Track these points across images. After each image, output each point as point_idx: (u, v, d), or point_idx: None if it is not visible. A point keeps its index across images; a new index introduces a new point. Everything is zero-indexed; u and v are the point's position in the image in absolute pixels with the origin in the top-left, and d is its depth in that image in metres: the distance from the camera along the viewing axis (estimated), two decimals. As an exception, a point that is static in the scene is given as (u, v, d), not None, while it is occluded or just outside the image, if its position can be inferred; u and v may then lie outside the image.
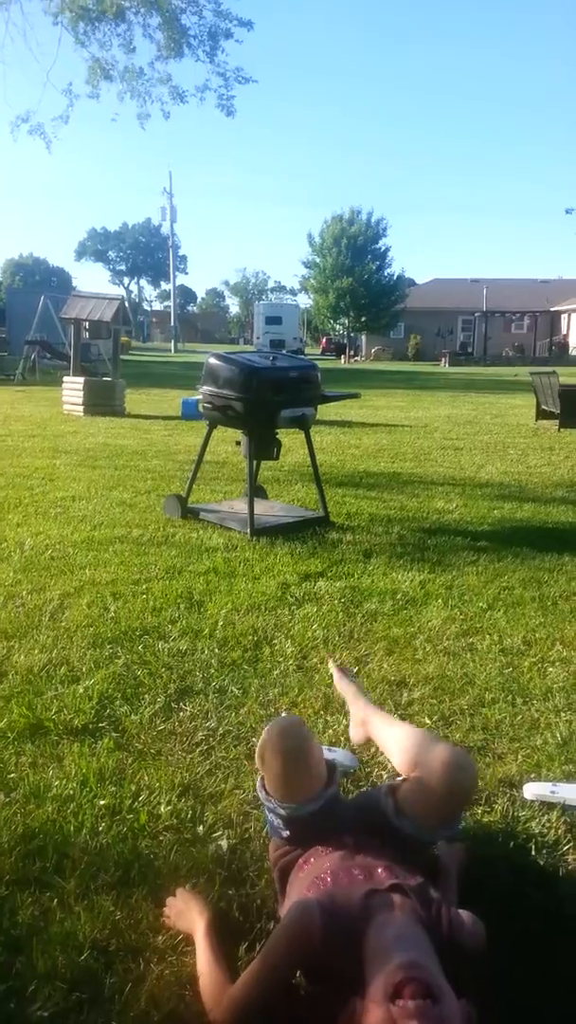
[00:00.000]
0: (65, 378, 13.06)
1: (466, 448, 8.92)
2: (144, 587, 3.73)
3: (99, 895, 1.69)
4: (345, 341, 44.55)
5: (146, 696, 2.63)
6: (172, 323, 55.48)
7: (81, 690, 2.64)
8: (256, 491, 5.11)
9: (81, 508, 5.41)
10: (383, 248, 41.71)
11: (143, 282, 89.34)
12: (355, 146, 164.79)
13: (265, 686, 2.73)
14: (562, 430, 10.55)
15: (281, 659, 2.95)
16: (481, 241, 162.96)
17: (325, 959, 1.31)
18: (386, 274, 41.54)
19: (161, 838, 1.90)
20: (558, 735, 2.43)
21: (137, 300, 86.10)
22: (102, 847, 1.86)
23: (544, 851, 1.89)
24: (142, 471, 6.99)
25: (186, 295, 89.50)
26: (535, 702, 2.65)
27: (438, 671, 2.87)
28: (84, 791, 2.07)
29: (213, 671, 2.84)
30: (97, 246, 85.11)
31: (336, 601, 3.58)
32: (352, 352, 43.91)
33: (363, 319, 41.79)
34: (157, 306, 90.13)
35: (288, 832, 1.61)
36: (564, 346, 41.36)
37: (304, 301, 54.96)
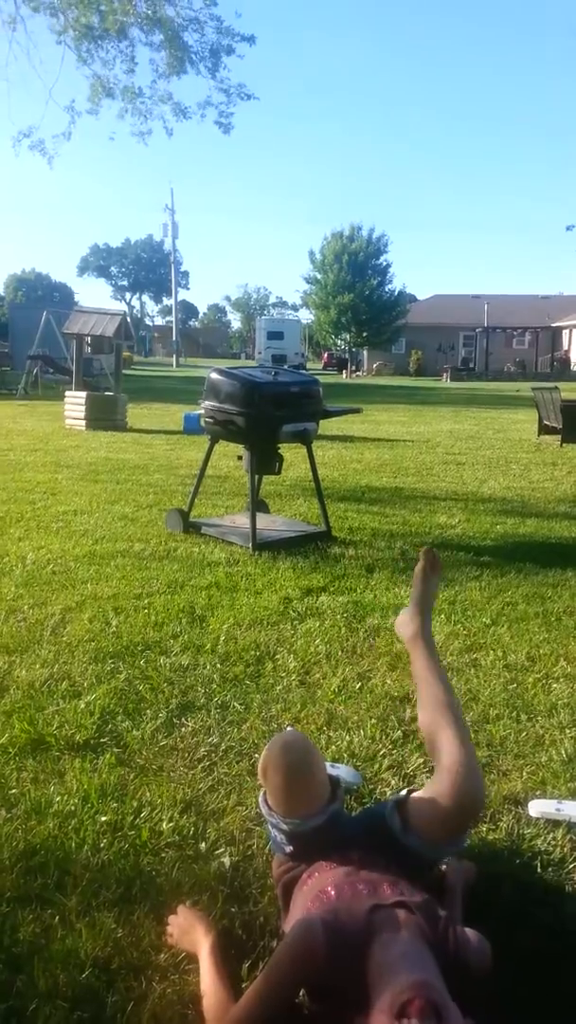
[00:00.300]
0: (67, 393, 13.11)
1: (468, 463, 8.93)
2: (146, 602, 3.72)
3: (101, 912, 1.68)
4: (347, 356, 44.72)
5: (148, 711, 2.62)
6: (174, 338, 55.73)
7: (83, 705, 2.63)
8: (258, 505, 5.12)
9: (83, 522, 5.41)
10: (384, 264, 41.98)
11: (145, 297, 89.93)
12: (356, 162, 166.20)
13: (267, 701, 2.72)
14: (564, 445, 10.56)
15: (283, 674, 2.94)
16: (482, 258, 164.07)
17: (329, 977, 1.29)
18: (387, 290, 41.77)
19: (163, 855, 1.89)
20: (563, 752, 2.41)
21: (139, 315, 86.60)
22: (104, 864, 1.84)
23: (550, 869, 1.88)
24: (144, 485, 7.00)
25: (188, 310, 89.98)
26: (539, 718, 2.64)
27: (441, 686, 2.85)
28: (86, 807, 2.06)
29: (215, 686, 2.82)
30: (99, 262, 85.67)
31: (338, 616, 3.57)
32: (354, 367, 44.06)
33: (364, 334, 41.97)
34: (159, 321, 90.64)
35: (291, 847, 1.60)
36: (566, 361, 41.47)
37: (306, 316, 55.32)
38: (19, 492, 6.49)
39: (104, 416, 12.34)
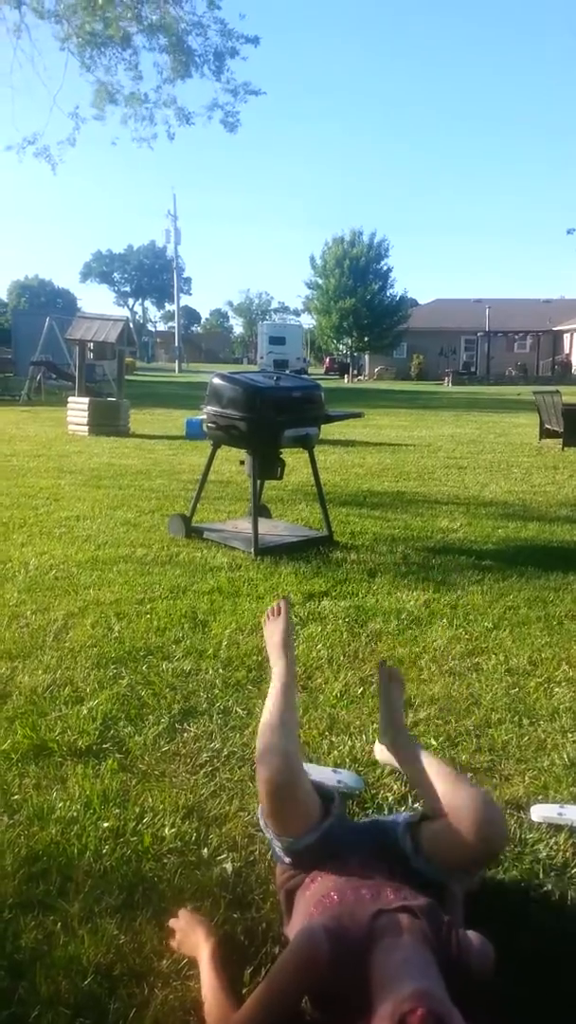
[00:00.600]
0: (70, 398, 13.14)
1: (470, 467, 8.93)
2: (148, 607, 3.72)
3: (103, 918, 1.68)
4: (348, 361, 44.77)
5: (150, 717, 2.62)
6: (176, 343, 55.88)
7: (85, 711, 2.64)
8: (260, 510, 5.12)
9: (85, 528, 5.42)
10: (385, 268, 42.05)
11: (147, 303, 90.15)
12: (357, 167, 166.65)
13: (270, 706, 2.71)
14: (566, 449, 10.56)
15: (286, 679, 2.94)
16: (483, 262, 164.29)
17: (332, 985, 1.29)
18: (388, 294, 41.83)
19: (165, 861, 1.89)
20: (565, 756, 2.41)
21: (141, 321, 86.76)
22: (106, 870, 1.84)
23: (552, 874, 1.88)
24: (146, 491, 7.00)
25: (190, 316, 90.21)
26: (541, 723, 2.64)
27: (443, 691, 2.86)
28: (88, 813, 2.06)
29: (217, 691, 2.83)
30: (102, 268, 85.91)
31: (340, 621, 3.57)
32: (355, 372, 44.10)
33: (366, 339, 42.02)
34: (161, 327, 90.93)
35: (289, 859, 1.60)
36: (567, 365, 41.49)
37: (307, 321, 55.33)
38: (22, 497, 6.50)
39: (107, 422, 12.37)
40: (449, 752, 2.43)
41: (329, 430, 9.38)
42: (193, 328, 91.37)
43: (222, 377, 4.93)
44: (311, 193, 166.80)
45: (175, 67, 11.88)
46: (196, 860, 1.89)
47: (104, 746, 2.43)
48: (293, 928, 1.50)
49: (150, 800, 2.13)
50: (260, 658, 3.13)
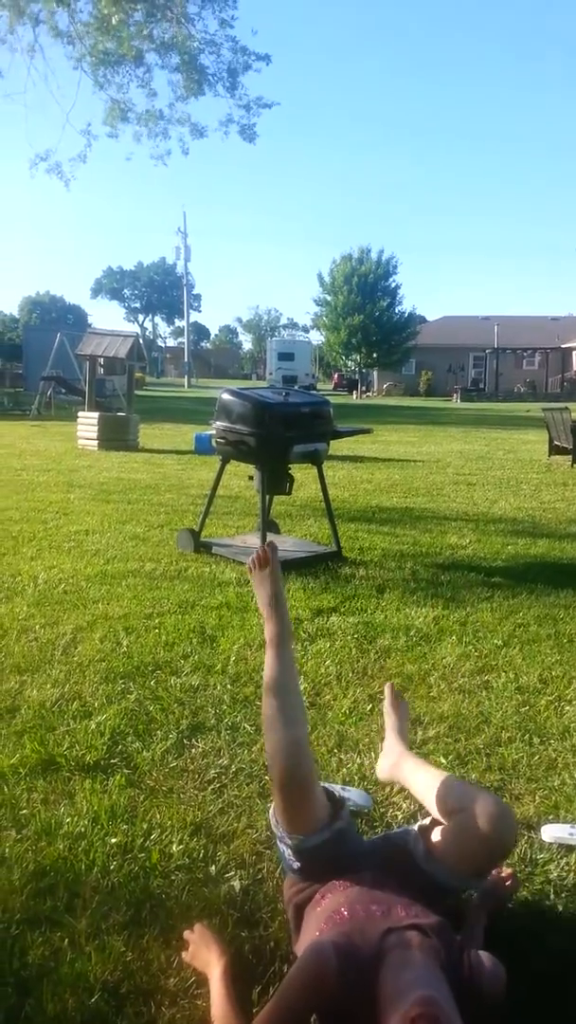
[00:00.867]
0: (80, 413, 13.20)
1: (479, 483, 8.92)
2: (157, 621, 3.72)
3: (110, 935, 1.67)
4: (357, 377, 44.89)
5: (158, 732, 2.61)
6: (186, 359, 56.17)
7: (93, 726, 2.63)
8: (269, 526, 5.12)
9: (94, 542, 5.43)
10: (393, 286, 42.19)
11: (157, 319, 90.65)
12: (367, 184, 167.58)
13: (278, 723, 2.70)
14: (575, 466, 10.54)
15: (294, 695, 2.93)
16: (491, 279, 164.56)
17: (341, 1003, 1.28)
18: (397, 311, 41.95)
19: (173, 878, 1.88)
20: (576, 775, 2.39)
21: (151, 337, 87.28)
22: (113, 886, 1.83)
23: (563, 895, 1.86)
24: (155, 505, 7.02)
25: (200, 332, 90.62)
26: (552, 742, 2.62)
27: (453, 709, 2.84)
28: (95, 828, 2.05)
29: (225, 707, 2.82)
30: (113, 284, 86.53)
31: (349, 637, 3.56)
32: (364, 388, 44.20)
33: (374, 355, 42.12)
34: (171, 343, 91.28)
35: (299, 863, 1.59)
36: (576, 382, 41.50)
37: (316, 338, 55.46)
38: (32, 512, 6.53)
39: (116, 436, 12.42)
40: (459, 771, 2.41)
41: (338, 446, 9.41)
42: (202, 344, 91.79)
43: (231, 392, 4.96)
44: (321, 211, 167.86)
45: (188, 85, 12.02)
46: (204, 877, 1.88)
47: (112, 761, 2.42)
48: (302, 945, 1.49)
49: (158, 816, 2.12)
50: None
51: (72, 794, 2.23)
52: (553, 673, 3.20)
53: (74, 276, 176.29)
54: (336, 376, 50.49)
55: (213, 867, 1.91)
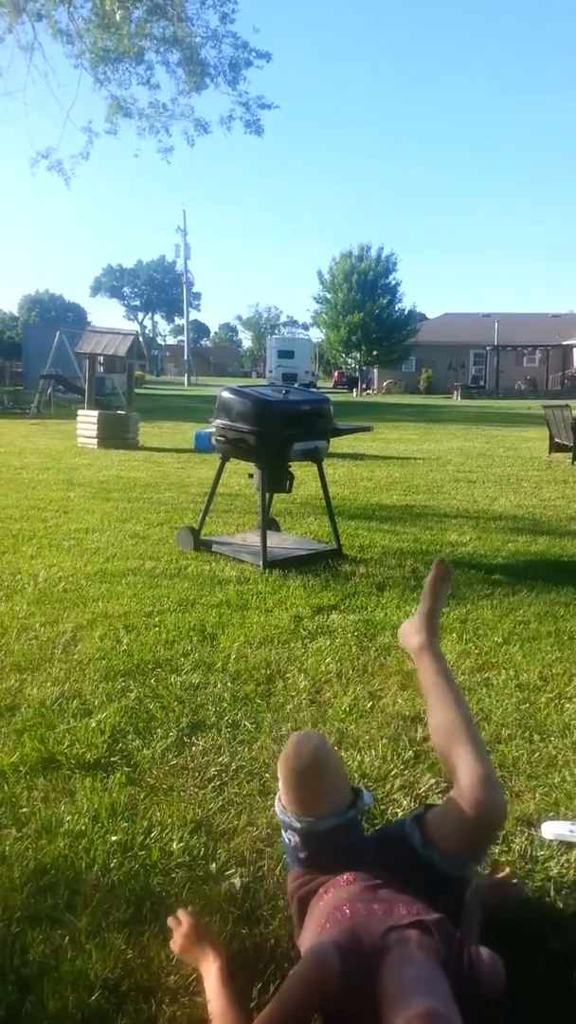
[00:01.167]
0: (79, 411, 13.20)
1: (479, 481, 8.92)
2: (157, 620, 3.72)
3: (111, 933, 1.67)
4: (357, 375, 44.86)
5: (158, 730, 2.61)
6: (185, 357, 56.15)
7: (93, 724, 2.63)
8: (269, 523, 5.12)
9: (94, 540, 5.43)
10: (393, 283, 42.10)
11: (157, 317, 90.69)
12: (367, 182, 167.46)
13: (278, 720, 2.71)
14: (575, 463, 10.54)
15: (294, 693, 2.93)
16: (492, 276, 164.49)
17: (342, 1003, 1.28)
18: (397, 309, 41.88)
19: (173, 875, 1.88)
20: (576, 772, 2.39)
21: (151, 335, 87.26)
22: (114, 884, 1.83)
23: (563, 891, 1.86)
24: (155, 503, 7.02)
25: (199, 330, 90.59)
26: (552, 739, 2.62)
27: (453, 706, 2.83)
28: (96, 826, 2.05)
29: (226, 705, 2.82)
30: (112, 282, 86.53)
31: (349, 634, 3.56)
32: (364, 385, 44.17)
33: (375, 353, 42.07)
34: (171, 340, 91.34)
35: (304, 853, 1.59)
36: (576, 379, 41.47)
37: (316, 335, 55.42)
38: (31, 510, 6.53)
39: (116, 434, 12.43)
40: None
41: (338, 443, 9.41)
42: (202, 342, 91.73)
43: (231, 390, 4.95)
44: (321, 209, 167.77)
45: (189, 79, 11.99)
46: (204, 875, 1.88)
47: (112, 759, 2.42)
48: (304, 938, 1.49)
49: (158, 814, 2.12)
50: (269, 671, 3.12)
51: (72, 792, 2.23)
52: (553, 670, 3.20)
53: (74, 274, 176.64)
54: (336, 374, 50.44)
55: (213, 865, 1.91)
